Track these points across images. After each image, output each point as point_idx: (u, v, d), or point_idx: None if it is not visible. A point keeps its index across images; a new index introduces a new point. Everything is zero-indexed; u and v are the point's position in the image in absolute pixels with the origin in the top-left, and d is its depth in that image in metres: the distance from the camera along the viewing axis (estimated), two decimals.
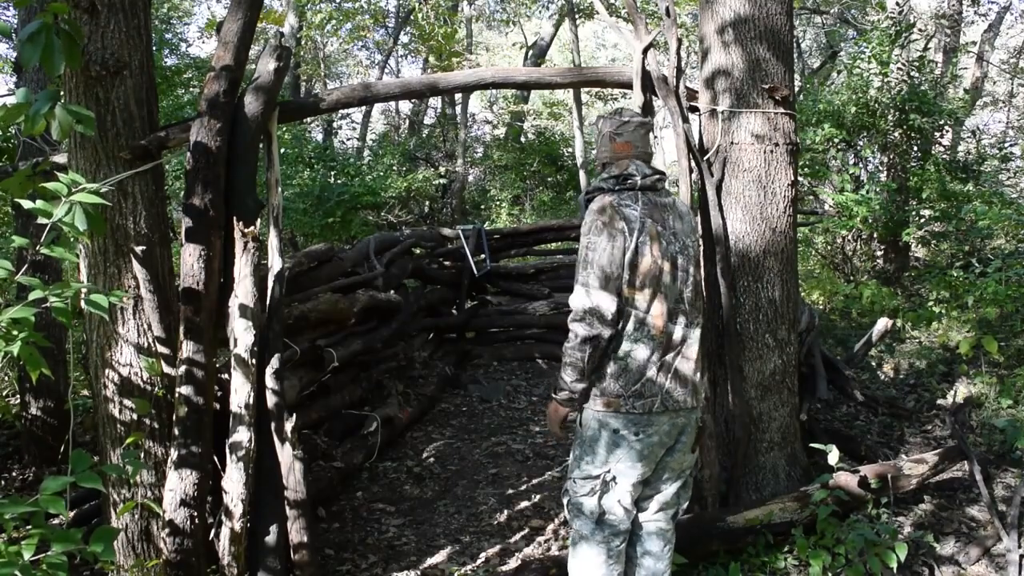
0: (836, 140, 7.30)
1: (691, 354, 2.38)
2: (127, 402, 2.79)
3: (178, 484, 2.66)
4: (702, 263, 2.52)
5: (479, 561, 3.37)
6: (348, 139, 16.15)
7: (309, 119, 12.30)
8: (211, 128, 2.77)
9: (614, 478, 2.34)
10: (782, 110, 3.31)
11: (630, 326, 2.28)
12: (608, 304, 2.23)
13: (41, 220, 1.95)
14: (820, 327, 5.19)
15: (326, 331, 4.37)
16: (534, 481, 4.18)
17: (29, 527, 1.71)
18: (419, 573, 3.29)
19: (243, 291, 2.81)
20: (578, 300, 2.26)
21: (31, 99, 1.91)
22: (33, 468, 4.34)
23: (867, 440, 4.26)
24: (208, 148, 2.75)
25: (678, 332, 2.35)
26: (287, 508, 2.84)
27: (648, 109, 3.38)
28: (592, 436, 2.34)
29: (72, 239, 2.23)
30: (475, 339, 7.03)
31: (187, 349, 2.70)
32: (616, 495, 2.36)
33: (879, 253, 7.80)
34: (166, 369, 2.84)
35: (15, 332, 1.82)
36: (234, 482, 2.69)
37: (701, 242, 2.58)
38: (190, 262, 2.73)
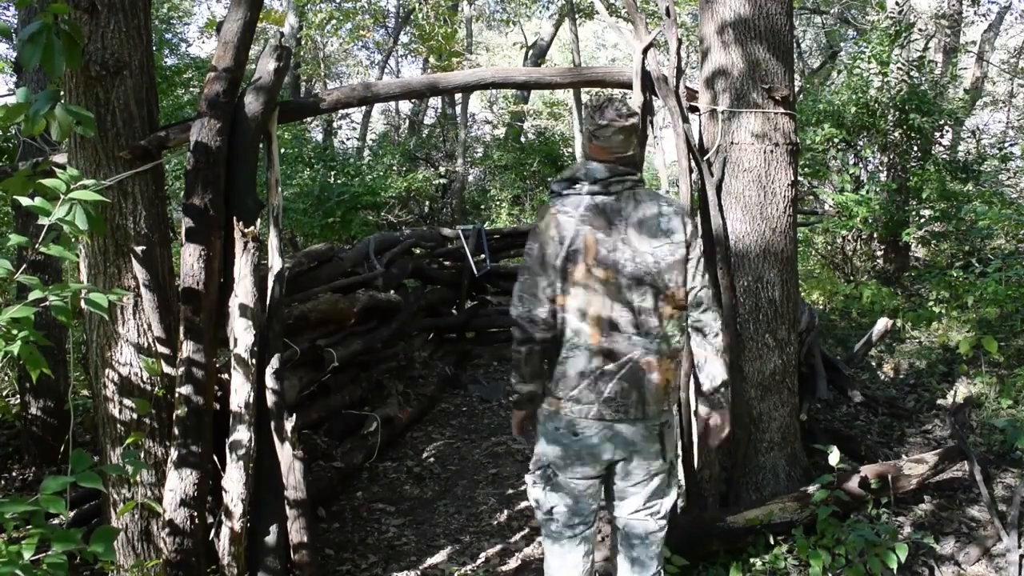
0: (836, 140, 7.30)
1: (643, 365, 2.25)
2: (127, 402, 2.79)
3: (178, 484, 2.66)
4: (669, 270, 2.28)
5: (479, 561, 3.37)
6: (348, 139, 16.14)
7: (309, 119, 12.30)
8: (211, 128, 2.77)
9: (555, 472, 2.37)
10: (782, 110, 3.31)
11: (568, 333, 2.27)
12: (538, 310, 2.24)
13: (41, 220, 1.95)
14: (820, 327, 5.18)
15: (326, 331, 4.37)
16: None
17: (29, 527, 1.71)
18: (419, 573, 3.30)
19: (243, 291, 2.81)
20: (513, 305, 2.30)
21: (31, 99, 1.90)
22: (33, 468, 4.34)
23: (867, 440, 4.26)
24: (208, 148, 2.75)
25: (623, 343, 2.24)
26: (287, 508, 2.84)
27: (648, 109, 3.38)
28: (539, 430, 2.41)
29: (72, 238, 2.23)
30: (475, 339, 7.04)
31: (187, 349, 2.70)
32: (560, 487, 2.38)
33: (879, 253, 7.81)
34: (166, 369, 2.84)
35: (15, 332, 1.82)
36: (234, 482, 2.69)
37: (684, 247, 2.32)
38: (190, 262, 2.73)
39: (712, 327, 2.37)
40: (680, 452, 3.18)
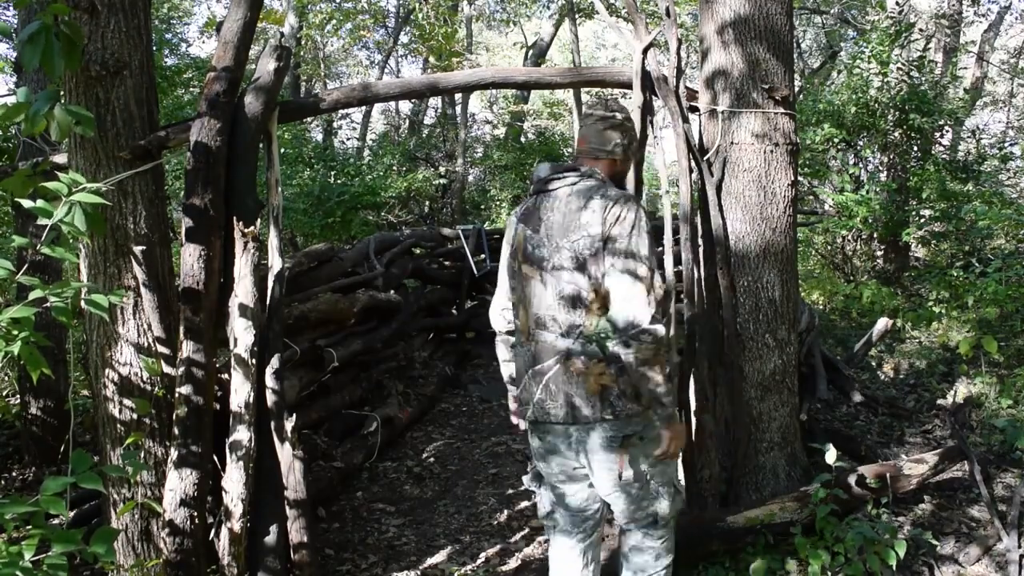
0: (836, 140, 7.30)
1: (570, 367, 2.15)
2: (127, 402, 2.79)
3: (178, 484, 2.66)
4: (589, 266, 2.13)
5: (479, 561, 3.37)
6: (348, 139, 16.14)
7: (309, 119, 12.30)
8: (211, 128, 2.77)
9: (539, 463, 2.39)
10: (782, 110, 3.31)
11: (515, 330, 2.38)
12: (496, 307, 2.44)
13: (41, 220, 1.95)
14: (820, 327, 5.19)
15: (326, 331, 4.37)
16: None
17: (29, 527, 1.71)
18: (419, 573, 3.30)
19: (243, 291, 2.81)
20: None
21: (31, 99, 1.91)
22: (33, 468, 4.34)
23: (867, 440, 4.26)
24: (208, 148, 2.75)
25: (548, 342, 2.20)
26: (287, 508, 2.84)
27: (648, 109, 3.38)
28: None
29: (72, 239, 2.23)
30: (475, 339, 7.04)
31: (187, 349, 2.70)
32: (546, 488, 2.40)
33: (879, 253, 7.81)
34: (166, 369, 2.84)
35: (15, 332, 1.82)
36: (234, 482, 2.70)
37: (601, 241, 2.13)
38: (190, 262, 2.73)
39: (629, 334, 2.03)
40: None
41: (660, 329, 2.04)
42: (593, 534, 2.43)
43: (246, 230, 2.84)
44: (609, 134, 2.32)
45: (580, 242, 2.15)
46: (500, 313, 2.43)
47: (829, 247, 8.20)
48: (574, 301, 2.16)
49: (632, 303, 2.05)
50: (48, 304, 1.88)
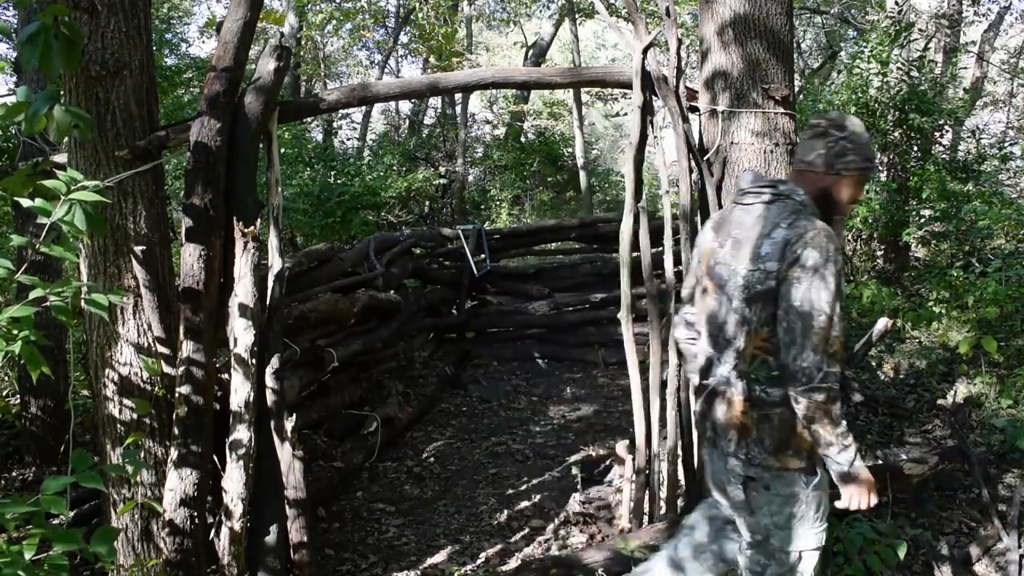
0: None
1: (718, 393, 2.12)
2: (127, 402, 2.79)
3: (178, 484, 2.66)
4: (755, 301, 2.04)
5: (479, 561, 3.37)
6: (348, 139, 16.14)
7: (309, 119, 12.30)
8: (211, 128, 2.77)
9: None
10: (782, 110, 3.31)
11: None
12: (682, 309, 2.37)
13: (41, 220, 1.95)
14: None
15: (326, 331, 4.37)
16: (534, 481, 4.19)
17: (30, 527, 1.71)
18: (419, 573, 3.30)
19: (243, 291, 2.81)
20: None
21: (31, 99, 1.91)
22: (33, 468, 4.34)
23: (867, 440, 4.26)
24: (208, 148, 2.75)
25: (710, 362, 2.16)
26: (287, 508, 2.84)
27: (648, 109, 3.38)
28: None
29: (72, 238, 2.23)
30: (475, 339, 7.04)
31: (187, 349, 2.70)
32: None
33: (879, 253, 7.80)
34: (166, 369, 2.84)
35: (15, 331, 1.82)
36: (234, 482, 2.70)
37: (775, 280, 2.00)
38: (190, 262, 2.73)
39: (799, 391, 1.92)
40: (680, 452, 3.18)
41: (832, 385, 1.92)
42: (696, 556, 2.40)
43: (246, 230, 2.84)
44: (811, 143, 2.13)
45: (754, 274, 2.02)
46: (682, 316, 2.32)
47: None
48: (736, 331, 2.07)
49: (802, 355, 1.91)
50: (48, 303, 1.88)
